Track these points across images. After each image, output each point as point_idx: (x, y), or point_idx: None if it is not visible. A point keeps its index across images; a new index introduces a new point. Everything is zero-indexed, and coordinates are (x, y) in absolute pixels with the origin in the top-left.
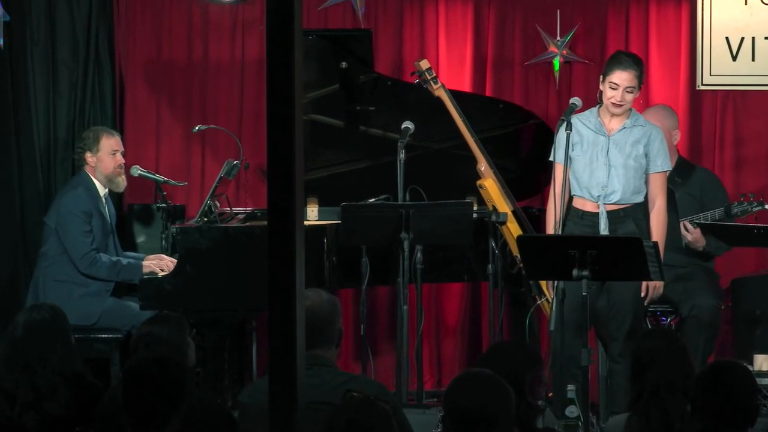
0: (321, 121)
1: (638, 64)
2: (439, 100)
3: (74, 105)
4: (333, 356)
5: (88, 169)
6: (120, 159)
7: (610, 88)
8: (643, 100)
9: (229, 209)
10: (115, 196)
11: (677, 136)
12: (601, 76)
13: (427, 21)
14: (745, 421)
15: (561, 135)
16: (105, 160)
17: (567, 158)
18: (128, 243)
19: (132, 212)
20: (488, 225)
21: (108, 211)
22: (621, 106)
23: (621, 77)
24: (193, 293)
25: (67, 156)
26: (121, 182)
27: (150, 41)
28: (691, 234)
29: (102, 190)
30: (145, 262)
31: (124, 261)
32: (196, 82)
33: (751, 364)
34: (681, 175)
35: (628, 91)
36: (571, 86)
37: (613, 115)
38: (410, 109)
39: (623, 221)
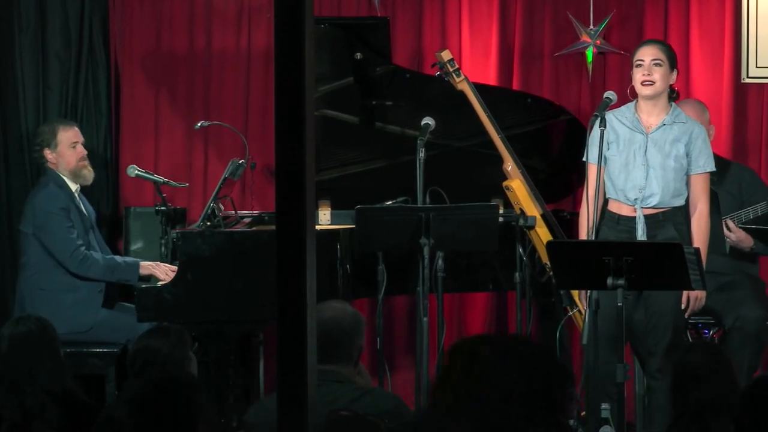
0: (334, 117)
1: (665, 44)
2: (461, 94)
3: (66, 100)
4: (350, 374)
5: (51, 167)
6: (81, 150)
7: (636, 66)
8: (684, 94)
9: (234, 212)
10: (111, 199)
11: (712, 133)
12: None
13: (449, 8)
14: None
15: (595, 133)
16: (66, 154)
17: (601, 158)
18: (125, 249)
19: (129, 216)
20: (515, 230)
21: (85, 207)
22: (651, 84)
23: (644, 52)
24: (195, 303)
25: None
26: (88, 174)
27: (148, 30)
28: (735, 234)
29: (73, 186)
30: (143, 263)
31: (119, 259)
32: (198, 74)
33: None
34: (716, 173)
35: (655, 64)
36: (605, 79)
37: (645, 98)
38: (431, 104)
39: (663, 226)
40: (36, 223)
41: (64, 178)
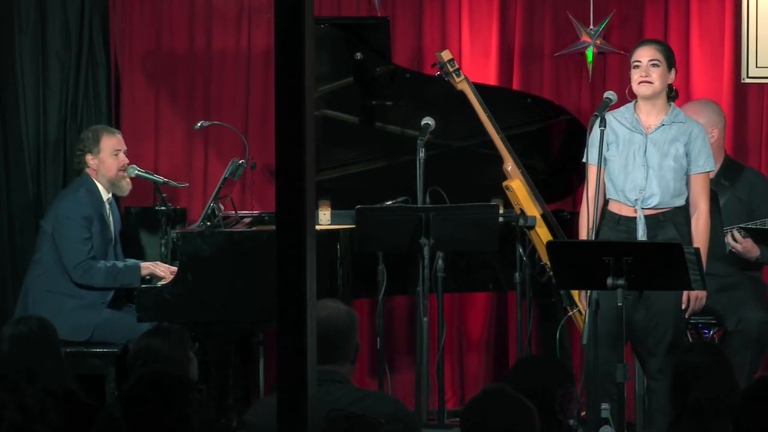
0: (334, 117)
1: (662, 44)
2: (461, 94)
3: (66, 100)
4: (348, 372)
5: (89, 172)
6: (123, 159)
7: (634, 67)
8: (683, 94)
9: (234, 212)
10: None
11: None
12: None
13: (449, 8)
14: None
15: (595, 133)
16: (107, 161)
17: (601, 158)
18: (124, 249)
19: (129, 216)
20: (515, 230)
21: (113, 217)
22: (650, 84)
23: (642, 53)
24: (195, 304)
25: (58, 155)
26: (126, 186)
27: (148, 30)
28: (741, 244)
29: (105, 194)
30: (143, 263)
31: (120, 264)
32: (198, 74)
33: None
34: (728, 177)
35: (653, 64)
36: (605, 79)
37: (644, 99)
38: (431, 104)
39: (663, 226)
40: (55, 225)
41: (99, 185)
